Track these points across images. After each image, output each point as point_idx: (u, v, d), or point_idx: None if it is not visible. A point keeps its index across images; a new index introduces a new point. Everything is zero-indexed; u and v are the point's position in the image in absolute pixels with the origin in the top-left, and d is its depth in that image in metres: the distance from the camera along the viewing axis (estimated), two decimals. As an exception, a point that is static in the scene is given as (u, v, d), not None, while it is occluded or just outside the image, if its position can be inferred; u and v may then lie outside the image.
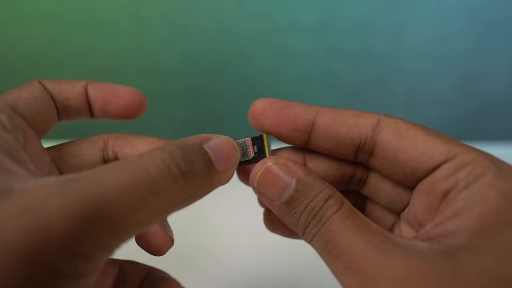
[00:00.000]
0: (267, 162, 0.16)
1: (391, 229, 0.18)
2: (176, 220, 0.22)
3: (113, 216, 0.12)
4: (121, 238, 0.12)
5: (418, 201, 0.15)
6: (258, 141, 0.18)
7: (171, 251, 0.19)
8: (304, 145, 0.18)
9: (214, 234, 0.38)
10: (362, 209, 0.20)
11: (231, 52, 0.57)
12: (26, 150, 0.16)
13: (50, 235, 0.11)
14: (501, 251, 0.12)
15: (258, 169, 0.16)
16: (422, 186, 0.15)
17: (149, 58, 0.56)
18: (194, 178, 0.14)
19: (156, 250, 0.18)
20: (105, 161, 0.18)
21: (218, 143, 0.16)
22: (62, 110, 0.20)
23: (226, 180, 0.16)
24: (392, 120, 0.16)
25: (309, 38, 0.57)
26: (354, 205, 0.19)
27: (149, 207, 0.13)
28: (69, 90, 0.20)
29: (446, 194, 0.14)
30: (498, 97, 0.63)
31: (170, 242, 0.18)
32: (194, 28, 0.56)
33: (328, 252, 0.14)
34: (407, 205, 0.17)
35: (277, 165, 0.16)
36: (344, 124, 0.16)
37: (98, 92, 0.20)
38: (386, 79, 0.60)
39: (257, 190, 0.16)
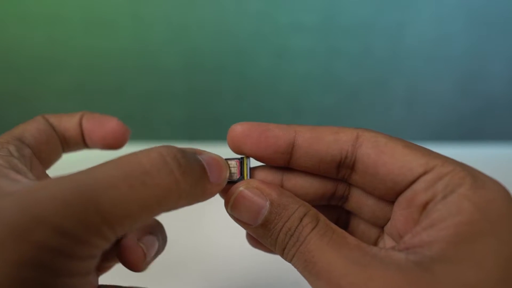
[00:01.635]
0: (239, 187, 0.16)
1: (375, 243, 0.18)
2: (171, 225, 0.22)
3: (103, 203, 0.12)
4: (114, 228, 0.13)
5: (399, 213, 0.16)
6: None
7: (169, 257, 0.19)
8: (286, 165, 0.18)
9: (210, 237, 0.38)
10: (346, 223, 0.20)
11: (231, 52, 0.57)
12: (32, 173, 0.17)
13: (42, 214, 0.12)
14: (474, 261, 0.12)
15: (230, 194, 0.17)
16: (402, 199, 0.15)
17: (149, 58, 0.56)
18: (191, 173, 0.14)
19: (131, 266, 0.18)
20: None
21: (210, 156, 0.17)
22: (63, 141, 0.21)
23: (214, 193, 0.17)
24: (371, 134, 0.16)
25: (309, 38, 0.57)
26: (338, 220, 0.20)
27: (139, 198, 0.13)
28: (68, 122, 0.21)
29: (425, 206, 0.14)
30: (498, 97, 0.63)
31: (143, 257, 0.18)
32: (194, 28, 0.56)
33: (309, 271, 0.14)
34: (390, 218, 0.17)
35: (249, 189, 0.16)
36: (323, 142, 0.17)
37: (88, 123, 0.22)
38: (386, 79, 0.60)
39: (232, 216, 0.17)
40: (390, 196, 0.16)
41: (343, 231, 0.15)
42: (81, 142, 0.22)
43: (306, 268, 0.14)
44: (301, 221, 0.15)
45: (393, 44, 0.59)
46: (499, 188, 0.14)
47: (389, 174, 0.15)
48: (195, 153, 0.16)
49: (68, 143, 0.22)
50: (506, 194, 0.14)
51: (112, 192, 0.13)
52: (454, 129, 0.63)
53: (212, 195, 0.16)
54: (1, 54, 0.55)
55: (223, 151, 0.20)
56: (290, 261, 0.15)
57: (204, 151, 0.17)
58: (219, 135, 0.52)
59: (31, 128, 0.19)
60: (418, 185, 0.15)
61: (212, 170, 0.16)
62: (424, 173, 0.15)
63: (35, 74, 0.56)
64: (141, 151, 0.14)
